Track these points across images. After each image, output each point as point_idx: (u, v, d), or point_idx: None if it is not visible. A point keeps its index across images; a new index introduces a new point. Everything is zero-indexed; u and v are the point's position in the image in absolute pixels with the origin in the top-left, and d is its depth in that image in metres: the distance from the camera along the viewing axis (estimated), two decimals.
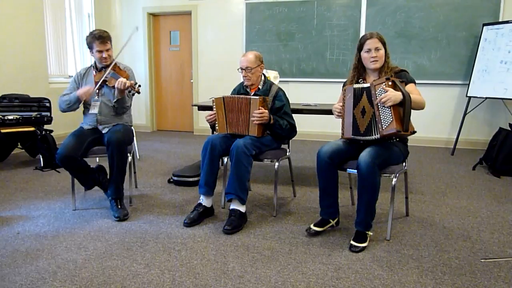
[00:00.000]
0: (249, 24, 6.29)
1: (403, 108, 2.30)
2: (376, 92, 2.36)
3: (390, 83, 2.33)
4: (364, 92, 2.43)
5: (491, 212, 3.03)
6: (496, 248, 2.41)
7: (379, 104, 2.33)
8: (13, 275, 2.05)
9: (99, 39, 2.86)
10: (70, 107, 2.92)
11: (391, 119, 2.29)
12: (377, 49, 2.48)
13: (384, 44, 2.50)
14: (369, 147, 2.44)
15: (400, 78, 2.47)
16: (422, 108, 2.43)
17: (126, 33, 6.87)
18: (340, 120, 2.63)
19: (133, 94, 2.97)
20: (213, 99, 2.92)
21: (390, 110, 2.29)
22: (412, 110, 2.33)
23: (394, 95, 2.26)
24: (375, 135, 2.41)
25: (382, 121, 2.34)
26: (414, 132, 2.40)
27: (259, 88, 2.97)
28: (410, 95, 2.31)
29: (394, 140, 2.53)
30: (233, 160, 2.67)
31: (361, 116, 2.46)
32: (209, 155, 2.78)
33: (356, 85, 2.50)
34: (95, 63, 3.04)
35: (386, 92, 2.28)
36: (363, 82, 2.58)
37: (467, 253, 2.34)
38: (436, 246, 2.43)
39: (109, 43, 2.94)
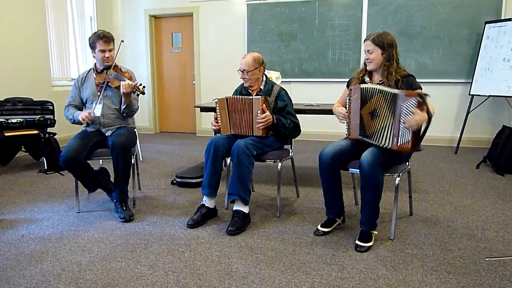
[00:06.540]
0: (250, 25, 6.30)
1: (425, 129, 2.27)
2: (403, 104, 2.26)
3: (420, 100, 2.21)
4: (392, 97, 2.32)
5: (495, 211, 3.01)
6: (501, 246, 2.40)
7: (401, 120, 2.28)
8: (17, 277, 2.05)
9: (102, 38, 2.90)
10: (74, 123, 3.00)
11: (409, 139, 2.28)
12: (369, 51, 2.48)
13: (380, 46, 2.45)
14: (371, 146, 2.43)
15: (407, 84, 2.42)
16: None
17: (128, 35, 6.88)
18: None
19: (138, 95, 2.99)
20: (216, 100, 2.93)
21: (410, 130, 2.26)
22: None
23: (421, 120, 2.21)
24: (387, 144, 2.37)
25: (399, 136, 2.31)
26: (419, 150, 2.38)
27: (260, 89, 2.97)
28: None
29: None
30: (234, 161, 2.68)
31: (369, 118, 2.43)
32: (212, 156, 2.78)
33: (363, 85, 2.47)
34: (95, 65, 3.06)
35: (413, 112, 2.21)
36: (369, 82, 2.56)
37: (472, 252, 2.33)
38: (440, 245, 2.42)
39: (112, 44, 2.97)
